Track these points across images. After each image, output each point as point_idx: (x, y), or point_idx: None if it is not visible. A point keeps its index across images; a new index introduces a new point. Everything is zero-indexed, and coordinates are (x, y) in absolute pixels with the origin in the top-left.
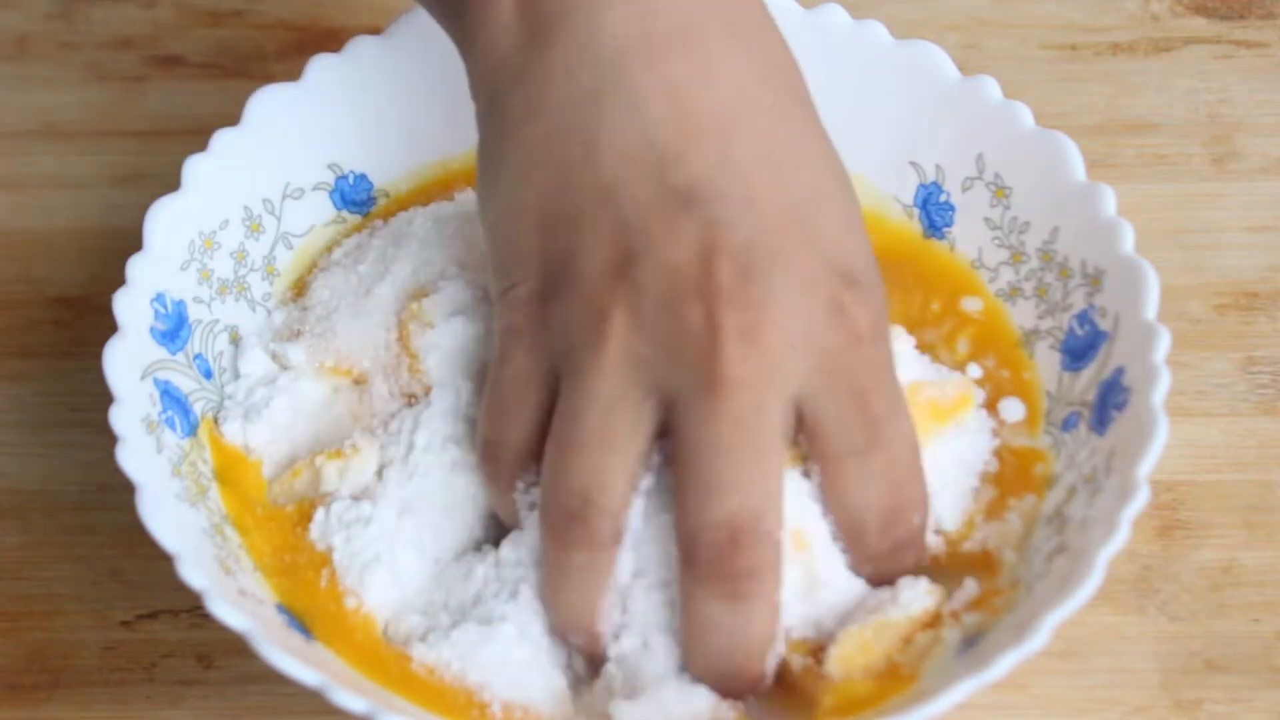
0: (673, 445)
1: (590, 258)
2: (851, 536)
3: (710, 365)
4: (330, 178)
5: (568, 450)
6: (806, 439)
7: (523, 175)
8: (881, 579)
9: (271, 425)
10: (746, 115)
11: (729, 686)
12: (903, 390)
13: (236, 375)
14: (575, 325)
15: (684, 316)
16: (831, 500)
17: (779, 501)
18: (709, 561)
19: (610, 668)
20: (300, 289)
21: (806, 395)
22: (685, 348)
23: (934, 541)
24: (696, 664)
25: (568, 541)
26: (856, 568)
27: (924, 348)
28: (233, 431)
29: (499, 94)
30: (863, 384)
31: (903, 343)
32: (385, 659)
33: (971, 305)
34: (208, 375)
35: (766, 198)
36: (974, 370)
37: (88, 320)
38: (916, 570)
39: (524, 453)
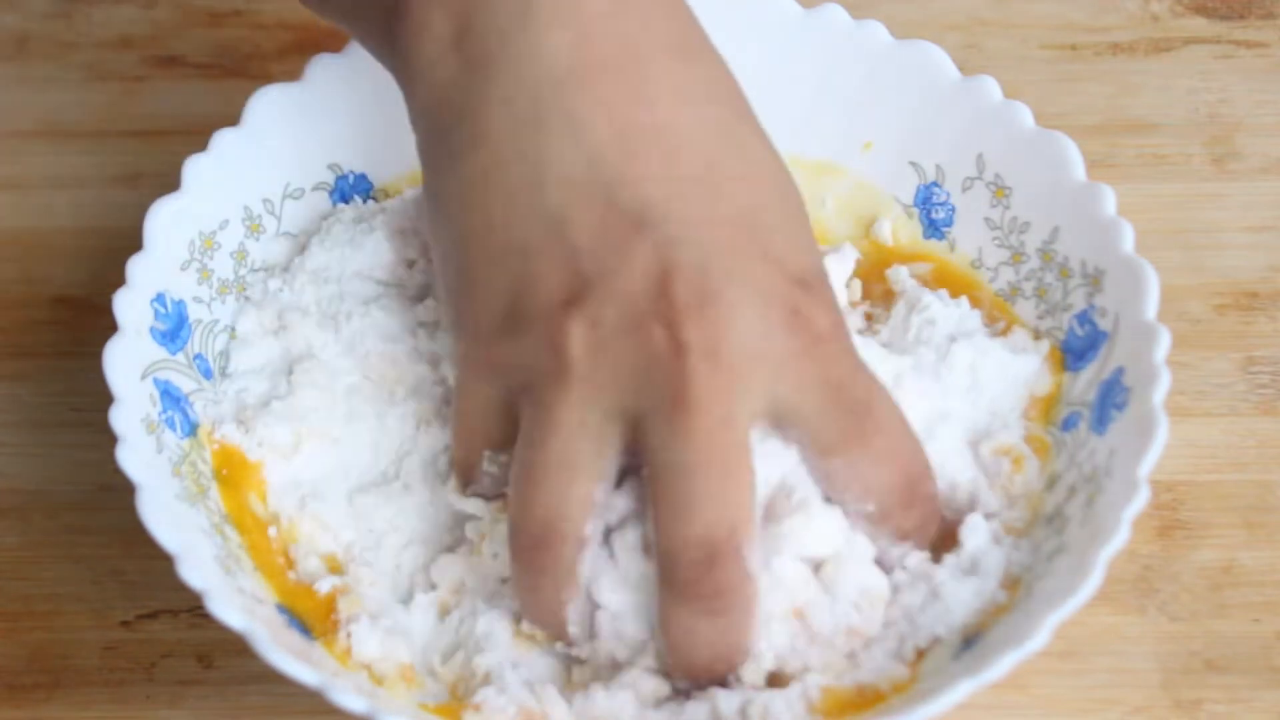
0: (645, 466)
1: (544, 288)
2: (880, 523)
3: (676, 385)
4: (330, 178)
5: (531, 479)
6: (797, 443)
7: (468, 207)
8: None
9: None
10: (689, 132)
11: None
12: (875, 374)
13: (227, 374)
14: (533, 356)
15: (645, 340)
16: (850, 495)
17: (752, 514)
18: (687, 581)
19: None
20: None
21: (781, 402)
22: (649, 370)
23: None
24: (680, 672)
25: (535, 567)
26: (885, 555)
27: None
28: (232, 432)
29: (439, 126)
30: (834, 377)
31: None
32: None
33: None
34: (208, 375)
35: (716, 213)
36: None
37: (88, 320)
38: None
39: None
